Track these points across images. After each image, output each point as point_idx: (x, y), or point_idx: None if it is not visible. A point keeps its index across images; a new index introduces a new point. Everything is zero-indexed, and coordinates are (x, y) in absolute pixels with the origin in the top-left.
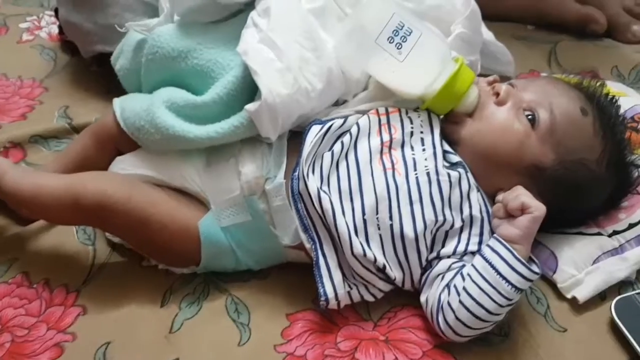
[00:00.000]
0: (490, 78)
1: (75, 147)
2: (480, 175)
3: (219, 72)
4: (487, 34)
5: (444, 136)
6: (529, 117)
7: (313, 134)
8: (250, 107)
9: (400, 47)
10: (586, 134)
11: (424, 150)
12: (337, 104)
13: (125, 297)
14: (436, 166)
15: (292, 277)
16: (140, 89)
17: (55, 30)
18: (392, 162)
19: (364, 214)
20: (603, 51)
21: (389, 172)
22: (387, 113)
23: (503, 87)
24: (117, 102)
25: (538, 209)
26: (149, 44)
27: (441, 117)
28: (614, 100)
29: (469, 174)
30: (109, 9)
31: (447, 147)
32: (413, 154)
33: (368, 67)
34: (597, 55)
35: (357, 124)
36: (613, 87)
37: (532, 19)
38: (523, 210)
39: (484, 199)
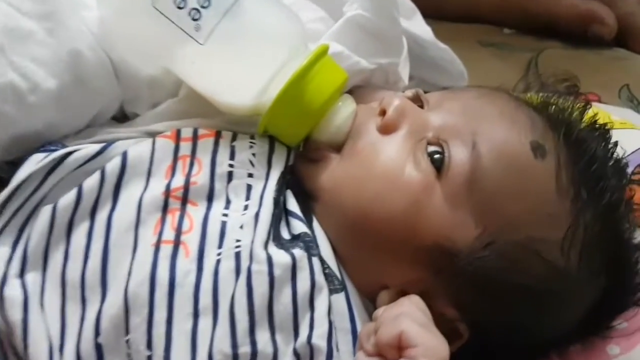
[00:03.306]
0: (409, 93)
1: None
2: (348, 259)
3: None
4: (423, 31)
5: (300, 183)
6: (435, 156)
7: (27, 169)
8: None
9: (198, 17)
10: (541, 192)
11: (245, 208)
12: (127, 119)
13: None
14: (252, 242)
15: None
16: None
17: None
18: (178, 229)
19: (97, 333)
20: (610, 64)
21: (166, 250)
22: (195, 137)
23: (394, 102)
24: None
25: (430, 350)
26: None
27: (294, 149)
28: (601, 130)
29: (316, 260)
30: None
31: (292, 205)
32: (225, 215)
33: (154, 54)
34: (600, 69)
35: (125, 154)
36: (615, 114)
37: (513, 20)
38: (401, 348)
39: (350, 307)
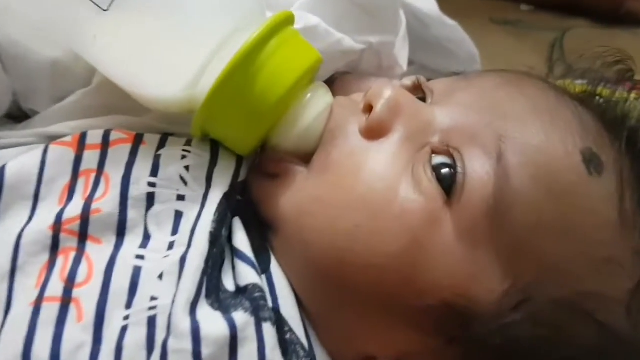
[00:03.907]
0: (407, 81)
1: None
2: (320, 317)
3: None
4: (426, 4)
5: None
6: (443, 170)
7: None
8: None
9: None
10: (597, 225)
11: (170, 246)
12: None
13: None
14: (173, 303)
15: None
16: None
17: None
18: (70, 280)
19: None
20: None
21: (50, 311)
22: (105, 144)
23: (384, 94)
24: None
25: None
26: None
27: (245, 160)
28: None
29: (268, 327)
30: None
31: (240, 242)
32: (140, 257)
33: (51, 29)
34: (636, 52)
35: (2, 171)
36: None
37: None
38: None
39: None
